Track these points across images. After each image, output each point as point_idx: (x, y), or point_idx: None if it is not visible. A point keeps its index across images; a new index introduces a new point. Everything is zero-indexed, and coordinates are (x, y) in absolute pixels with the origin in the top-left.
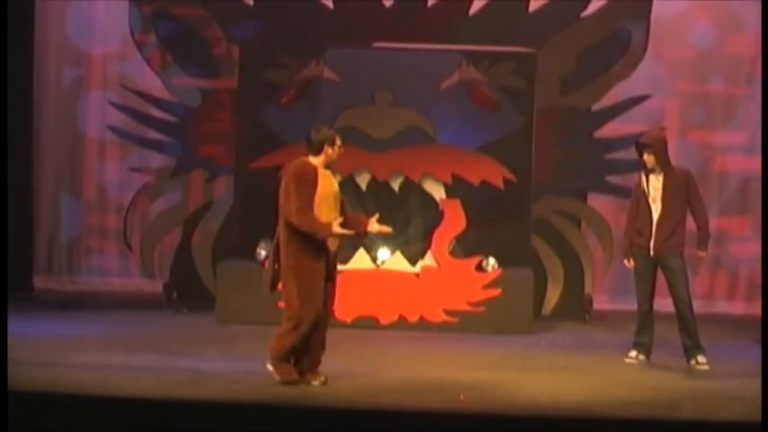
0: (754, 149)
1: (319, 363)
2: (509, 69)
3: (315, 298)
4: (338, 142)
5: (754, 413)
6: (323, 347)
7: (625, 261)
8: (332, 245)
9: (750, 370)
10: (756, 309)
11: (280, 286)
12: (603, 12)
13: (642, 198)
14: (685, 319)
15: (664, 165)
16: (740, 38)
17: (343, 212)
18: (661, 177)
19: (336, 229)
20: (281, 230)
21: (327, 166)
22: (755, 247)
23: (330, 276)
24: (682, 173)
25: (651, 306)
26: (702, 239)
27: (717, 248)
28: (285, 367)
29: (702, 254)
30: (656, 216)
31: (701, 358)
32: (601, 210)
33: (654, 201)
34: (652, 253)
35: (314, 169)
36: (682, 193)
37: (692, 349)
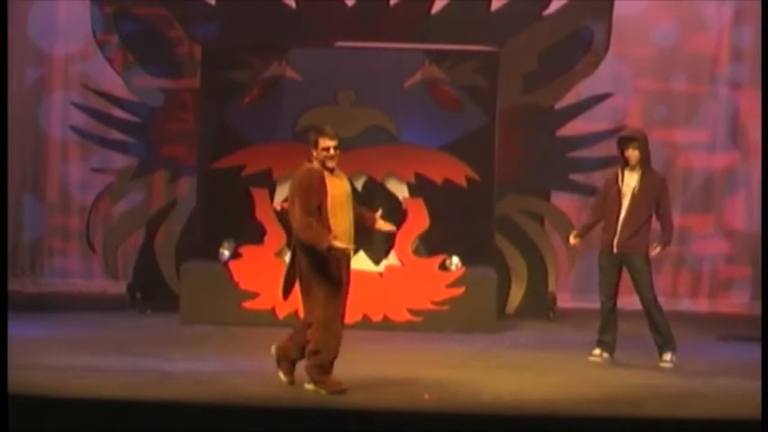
0: (716, 147)
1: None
2: (471, 68)
3: (337, 305)
4: (322, 144)
5: (717, 411)
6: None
7: (571, 237)
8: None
9: (713, 368)
10: (719, 306)
11: (294, 291)
12: (565, 10)
13: (614, 193)
14: (652, 318)
15: (645, 162)
16: (702, 36)
17: (353, 208)
18: (636, 175)
19: (333, 242)
20: (296, 237)
21: (331, 168)
22: (718, 245)
23: (347, 278)
24: (658, 176)
25: (614, 304)
26: (665, 241)
27: (680, 246)
28: (329, 379)
29: (656, 249)
30: (623, 213)
31: (665, 356)
32: (564, 208)
33: (624, 197)
34: (615, 249)
35: (319, 174)
36: (654, 194)
37: (660, 346)
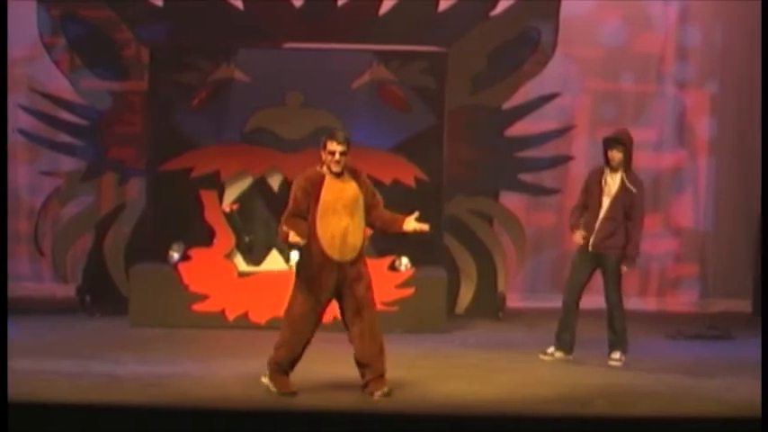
0: (663, 146)
1: (376, 372)
2: (420, 69)
3: (309, 305)
4: (329, 147)
5: (666, 408)
6: (378, 354)
7: (576, 235)
8: (333, 252)
9: (662, 366)
10: (667, 305)
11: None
12: (512, 11)
13: (596, 192)
14: (611, 316)
15: (627, 164)
16: (649, 36)
17: (377, 215)
18: (618, 177)
19: (291, 238)
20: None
21: (336, 171)
22: (666, 244)
23: (339, 293)
24: (638, 180)
25: (577, 304)
26: (632, 256)
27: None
28: (281, 379)
29: (626, 268)
30: (602, 213)
31: (614, 354)
32: (513, 208)
33: (605, 197)
34: (591, 248)
35: (319, 177)
36: (629, 198)
37: (612, 344)
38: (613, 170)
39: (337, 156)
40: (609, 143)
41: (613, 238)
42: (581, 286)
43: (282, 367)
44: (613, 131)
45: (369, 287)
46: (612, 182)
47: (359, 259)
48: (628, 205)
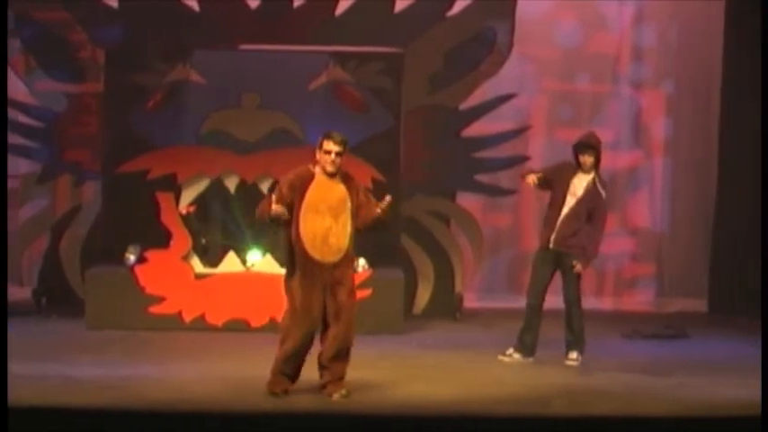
0: (619, 146)
1: (335, 375)
2: (376, 69)
3: (301, 314)
4: (325, 146)
5: (622, 408)
6: (341, 358)
7: (529, 177)
8: (315, 252)
9: (618, 365)
10: (624, 304)
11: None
12: (468, 11)
13: (562, 189)
14: (569, 315)
15: (597, 168)
16: (605, 36)
17: (361, 218)
18: (586, 179)
19: (273, 209)
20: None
21: (330, 172)
22: (623, 243)
23: (333, 293)
24: (605, 182)
25: (540, 305)
26: (588, 256)
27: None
28: (275, 378)
29: (579, 268)
30: (565, 211)
31: (571, 354)
32: (470, 208)
33: (571, 197)
34: (552, 245)
35: (309, 174)
36: (597, 199)
37: (569, 344)
38: (584, 172)
39: (333, 156)
40: (580, 148)
41: (575, 238)
42: (544, 287)
43: (280, 365)
44: (583, 136)
45: (351, 293)
46: (579, 183)
47: (343, 263)
48: (592, 207)
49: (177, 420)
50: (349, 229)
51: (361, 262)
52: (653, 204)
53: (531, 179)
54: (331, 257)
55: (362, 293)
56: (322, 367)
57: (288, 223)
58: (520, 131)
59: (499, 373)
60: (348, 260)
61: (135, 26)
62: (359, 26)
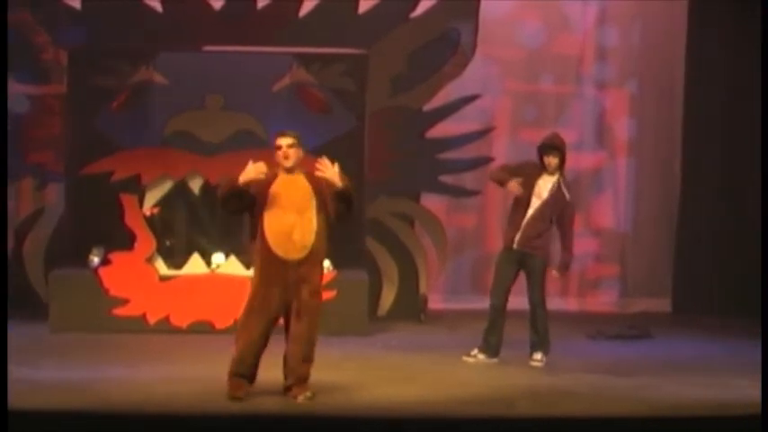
0: (583, 147)
1: (299, 376)
2: (340, 71)
3: (257, 311)
4: (277, 142)
5: (586, 409)
6: (305, 360)
7: (512, 183)
8: (278, 249)
9: (583, 366)
10: (588, 305)
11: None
12: (432, 12)
13: (528, 191)
14: (534, 316)
15: (561, 169)
16: (568, 37)
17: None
18: (551, 180)
19: (241, 177)
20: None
21: (288, 165)
22: (587, 244)
23: (296, 291)
24: (569, 184)
25: (504, 305)
26: (566, 261)
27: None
28: (232, 381)
29: (557, 275)
30: (530, 212)
31: (536, 355)
32: (434, 209)
33: (536, 198)
34: (516, 246)
35: (272, 174)
36: (563, 201)
37: (534, 345)
38: (549, 174)
39: (284, 149)
40: (544, 149)
41: (540, 239)
42: (508, 287)
43: (235, 367)
44: (547, 137)
45: (314, 293)
46: (545, 184)
47: (308, 261)
48: (559, 209)
49: (141, 423)
50: (315, 225)
51: (326, 264)
52: (616, 205)
53: (514, 187)
54: (295, 254)
55: (327, 295)
56: (286, 368)
57: (251, 214)
58: (484, 132)
59: (464, 374)
60: (315, 258)
61: (98, 27)
62: (322, 27)
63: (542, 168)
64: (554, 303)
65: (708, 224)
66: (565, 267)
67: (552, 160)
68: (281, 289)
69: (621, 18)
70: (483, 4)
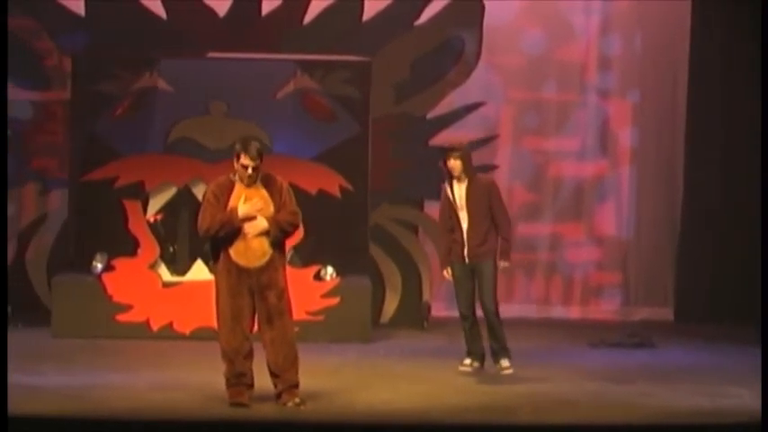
0: (586, 155)
1: (286, 382)
2: (343, 78)
3: (231, 321)
4: (242, 160)
5: (588, 416)
6: (288, 364)
7: (444, 272)
8: (239, 258)
9: (584, 373)
10: (590, 313)
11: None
12: (436, 20)
13: (449, 206)
14: (491, 324)
15: (469, 172)
16: (571, 45)
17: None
18: (464, 185)
19: (236, 213)
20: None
21: (248, 180)
22: (589, 252)
23: (262, 297)
24: (484, 182)
25: (474, 314)
26: (505, 249)
27: (552, 254)
28: (231, 389)
29: (505, 264)
30: (465, 224)
31: (504, 362)
32: (437, 217)
33: (461, 209)
34: (467, 260)
35: (229, 183)
36: (485, 201)
37: (497, 353)
38: (458, 180)
39: (249, 170)
40: (446, 153)
41: (486, 245)
42: (471, 295)
43: (229, 376)
44: (448, 142)
45: (281, 296)
46: (459, 194)
47: (270, 267)
48: (487, 208)
49: (140, 429)
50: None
51: (330, 270)
52: (619, 213)
53: (447, 272)
54: (256, 262)
55: (330, 301)
56: (273, 375)
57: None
58: (487, 140)
59: (464, 381)
60: (276, 263)
61: (102, 34)
62: (326, 35)
63: (450, 179)
64: (557, 311)
65: (710, 233)
66: (506, 256)
67: (454, 163)
68: (248, 297)
69: (624, 27)
70: (487, 13)
